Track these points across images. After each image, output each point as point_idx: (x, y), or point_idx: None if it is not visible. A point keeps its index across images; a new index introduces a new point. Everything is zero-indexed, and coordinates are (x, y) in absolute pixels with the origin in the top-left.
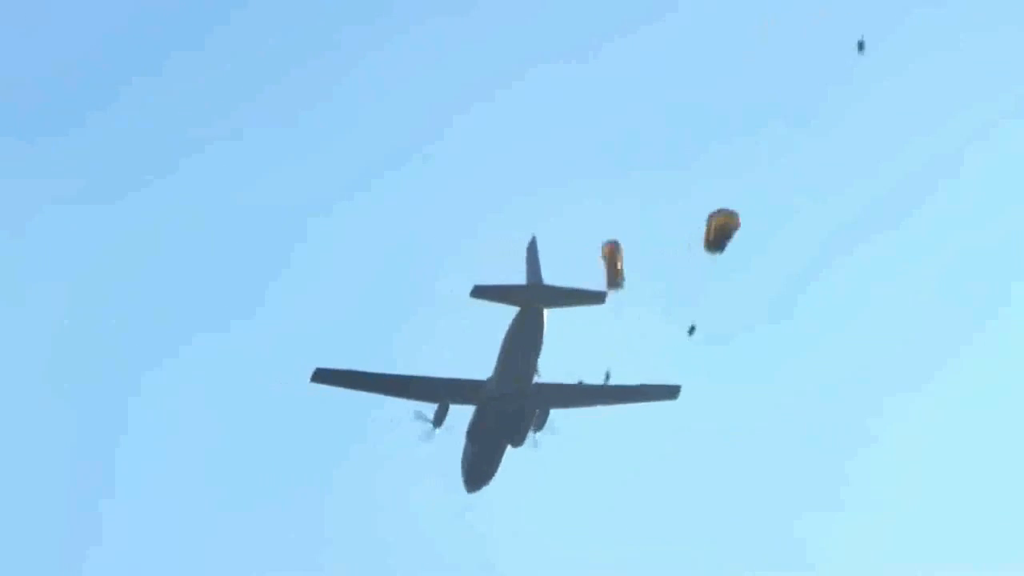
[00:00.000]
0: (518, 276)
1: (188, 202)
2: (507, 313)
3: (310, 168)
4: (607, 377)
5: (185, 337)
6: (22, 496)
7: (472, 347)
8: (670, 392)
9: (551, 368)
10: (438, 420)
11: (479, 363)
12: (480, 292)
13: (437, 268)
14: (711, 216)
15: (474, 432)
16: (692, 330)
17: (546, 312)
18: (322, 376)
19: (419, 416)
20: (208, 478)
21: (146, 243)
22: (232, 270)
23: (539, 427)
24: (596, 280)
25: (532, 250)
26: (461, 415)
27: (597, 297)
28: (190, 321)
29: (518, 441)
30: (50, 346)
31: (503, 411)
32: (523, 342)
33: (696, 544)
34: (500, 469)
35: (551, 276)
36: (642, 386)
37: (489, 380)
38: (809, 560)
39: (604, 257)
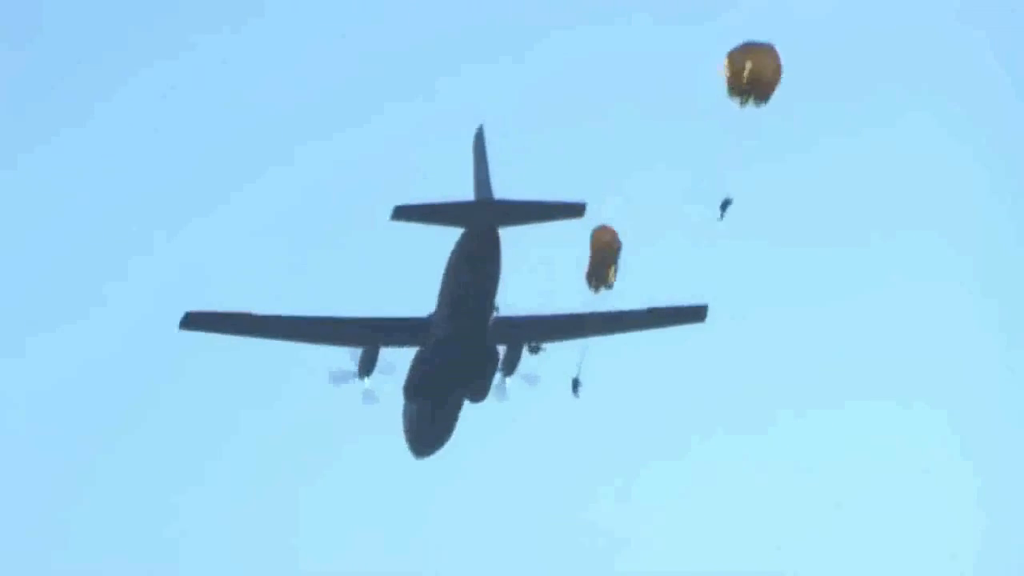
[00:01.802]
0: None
1: None
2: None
3: None
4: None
5: None
6: None
7: (399, 281)
8: (694, 314)
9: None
10: (365, 367)
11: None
12: (404, 213)
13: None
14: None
15: (417, 387)
16: (726, 205)
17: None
18: (196, 321)
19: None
20: None
21: None
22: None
23: (510, 370)
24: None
25: (479, 144)
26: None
27: (574, 210)
28: None
29: (479, 395)
30: None
31: (455, 356)
32: (473, 271)
33: None
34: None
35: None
36: (653, 309)
37: (432, 317)
38: None
39: (594, 247)
